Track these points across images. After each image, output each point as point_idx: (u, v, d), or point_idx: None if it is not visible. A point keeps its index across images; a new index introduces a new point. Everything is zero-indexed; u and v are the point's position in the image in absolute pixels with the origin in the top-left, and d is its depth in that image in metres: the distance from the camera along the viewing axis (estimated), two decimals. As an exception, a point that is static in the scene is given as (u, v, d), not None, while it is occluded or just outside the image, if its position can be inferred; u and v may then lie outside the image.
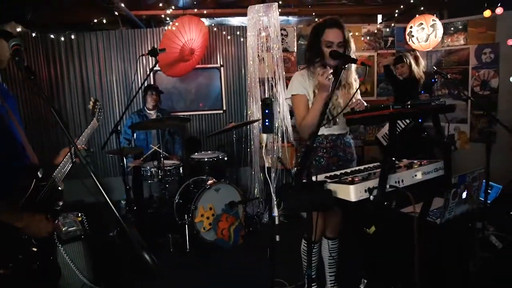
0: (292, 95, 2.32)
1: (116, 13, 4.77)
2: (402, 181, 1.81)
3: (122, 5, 4.44)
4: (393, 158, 1.67)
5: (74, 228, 2.83)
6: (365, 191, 1.66)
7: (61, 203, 1.74)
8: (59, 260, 2.52)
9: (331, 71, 2.10)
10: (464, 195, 2.26)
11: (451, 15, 5.67)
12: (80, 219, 2.86)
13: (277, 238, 1.58)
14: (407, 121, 3.88)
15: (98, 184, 1.22)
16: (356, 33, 5.46)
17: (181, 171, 4.10)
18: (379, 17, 6.22)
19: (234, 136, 4.38)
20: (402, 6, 5.22)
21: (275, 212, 1.56)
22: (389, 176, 1.76)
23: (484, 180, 2.84)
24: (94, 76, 5.34)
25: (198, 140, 5.54)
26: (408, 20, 5.04)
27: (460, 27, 5.24)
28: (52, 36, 5.10)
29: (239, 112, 5.71)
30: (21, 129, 1.61)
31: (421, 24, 4.53)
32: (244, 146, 4.82)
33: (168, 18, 5.34)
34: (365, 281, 2.06)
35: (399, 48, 5.45)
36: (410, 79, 4.22)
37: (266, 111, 1.66)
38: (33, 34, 4.94)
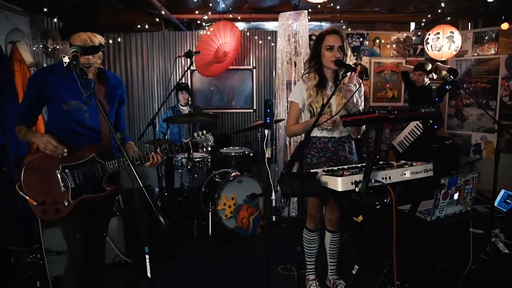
0: (289, 100, 2.63)
1: (158, 17, 5.22)
2: (390, 177, 2.05)
3: (163, 12, 4.87)
4: (378, 156, 1.90)
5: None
6: (352, 183, 1.92)
7: (109, 188, 2.07)
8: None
9: (332, 124, 2.35)
10: (455, 196, 2.46)
11: (485, 24, 5.67)
12: (116, 198, 3.28)
13: (273, 218, 1.87)
14: (421, 129, 4.02)
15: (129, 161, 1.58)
16: (383, 41, 5.61)
17: (209, 163, 4.47)
18: (412, 24, 6.31)
19: (259, 133, 4.70)
20: (430, 16, 5.29)
21: (273, 196, 1.86)
22: (377, 173, 2.01)
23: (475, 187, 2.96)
24: (138, 74, 5.87)
25: (229, 135, 5.91)
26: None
27: (493, 36, 5.25)
28: (101, 36, 5.66)
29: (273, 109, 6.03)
30: (104, 115, 1.82)
31: (438, 33, 4.63)
32: (270, 144, 5.13)
33: (204, 22, 5.75)
34: (357, 267, 2.30)
35: (428, 56, 5.53)
36: (426, 87, 4.35)
37: (268, 110, 1.97)
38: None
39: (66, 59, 1.88)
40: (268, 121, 1.95)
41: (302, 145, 1.86)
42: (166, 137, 4.83)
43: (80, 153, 2.01)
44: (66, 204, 1.98)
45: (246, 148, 4.91)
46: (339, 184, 1.89)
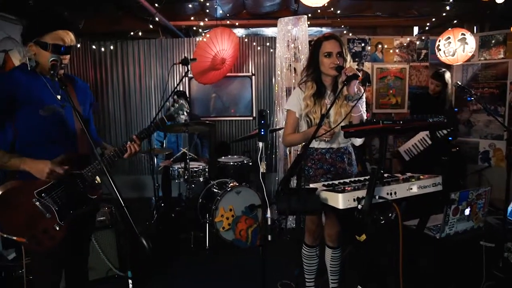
0: (286, 108, 2.49)
1: (154, 24, 5.11)
2: (395, 193, 1.89)
3: (157, 18, 4.77)
4: (382, 171, 1.75)
5: (103, 218, 3.15)
6: (354, 200, 1.76)
7: (94, 196, 1.91)
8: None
9: (330, 136, 2.22)
10: (467, 211, 2.29)
11: (492, 28, 5.52)
12: (109, 210, 3.15)
13: (269, 237, 1.72)
14: (428, 141, 3.84)
15: (111, 181, 1.43)
16: (386, 46, 5.46)
17: (206, 172, 4.33)
18: (415, 29, 6.17)
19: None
20: (434, 19, 5.15)
21: (268, 214, 1.71)
22: (381, 188, 1.86)
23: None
24: (135, 81, 5.75)
25: (228, 144, 5.77)
26: (445, 33, 4.98)
27: (501, 39, 5.10)
28: (98, 44, 5.58)
29: (268, 119, 5.88)
30: (79, 121, 1.68)
31: (448, 38, 4.46)
32: (270, 153, 4.98)
33: (202, 29, 5.63)
34: (360, 287, 2.14)
35: (433, 61, 5.38)
36: (440, 97, 4.17)
37: (262, 121, 1.82)
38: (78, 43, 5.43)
39: (31, 62, 1.72)
40: (262, 133, 1.80)
41: (299, 159, 1.71)
42: (164, 146, 4.68)
43: None
44: (57, 228, 1.78)
45: (245, 157, 4.76)
46: (340, 201, 1.73)
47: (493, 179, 5.02)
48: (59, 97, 1.76)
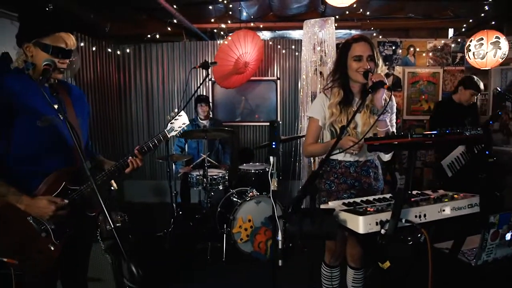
0: (308, 116, 2.30)
1: (177, 26, 5.05)
2: (425, 215, 1.68)
3: (177, 21, 4.69)
4: (409, 191, 1.55)
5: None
6: (376, 223, 1.57)
7: (93, 214, 1.80)
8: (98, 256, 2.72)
9: (358, 149, 2.01)
10: (508, 236, 2.02)
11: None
12: (121, 219, 3.06)
13: (280, 263, 1.55)
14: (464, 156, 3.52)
15: (98, 195, 1.31)
16: (418, 49, 5.16)
17: (226, 180, 4.19)
18: (450, 31, 5.81)
19: (281, 150, 4.38)
20: (471, 20, 4.81)
21: (279, 236, 1.54)
22: (409, 210, 1.65)
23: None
24: (158, 84, 5.72)
25: (251, 151, 5.62)
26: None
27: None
28: (122, 47, 5.58)
29: (293, 125, 5.70)
30: (75, 133, 1.54)
31: (481, 39, 4.11)
32: (293, 160, 4.80)
33: (224, 32, 5.52)
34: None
35: (469, 65, 5.02)
36: (472, 106, 3.83)
37: (275, 133, 1.65)
38: (97, 44, 5.44)
39: (28, 65, 1.60)
40: (273, 146, 1.63)
41: (314, 176, 1.53)
42: (186, 152, 4.58)
43: (48, 186, 1.67)
44: (52, 248, 1.67)
45: (267, 164, 4.59)
46: (360, 225, 1.54)
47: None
48: (56, 106, 1.61)
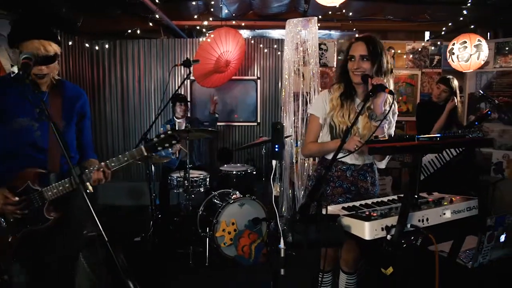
0: (309, 113, 2.26)
1: (155, 22, 4.87)
2: (427, 219, 1.65)
3: (158, 16, 4.53)
4: (416, 196, 1.50)
5: (93, 233, 2.88)
6: (382, 229, 1.51)
7: (51, 217, 1.76)
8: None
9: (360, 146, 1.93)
10: (502, 238, 2.03)
11: (506, 34, 5.29)
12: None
13: (282, 271, 1.46)
14: (453, 153, 3.55)
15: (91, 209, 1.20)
16: (399, 51, 5.22)
17: (207, 182, 4.07)
18: (427, 34, 5.93)
19: (264, 150, 4.29)
20: (450, 24, 4.91)
21: (281, 244, 1.45)
22: (412, 214, 1.60)
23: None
24: (134, 83, 5.50)
25: (230, 151, 5.51)
26: (458, 39, 4.74)
27: (516, 47, 4.86)
28: (96, 43, 5.32)
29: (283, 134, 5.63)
30: (56, 134, 1.51)
31: (465, 42, 4.20)
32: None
33: (205, 30, 5.40)
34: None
35: (446, 67, 5.13)
36: (453, 110, 3.88)
37: (278, 136, 1.56)
38: (70, 41, 5.18)
39: (15, 69, 1.53)
40: (276, 149, 1.55)
41: (320, 181, 1.45)
42: (163, 153, 4.41)
43: (14, 182, 1.72)
44: (10, 239, 1.71)
45: (249, 166, 4.49)
46: (366, 231, 1.48)
47: (506, 191, 4.75)
48: (38, 110, 1.54)
